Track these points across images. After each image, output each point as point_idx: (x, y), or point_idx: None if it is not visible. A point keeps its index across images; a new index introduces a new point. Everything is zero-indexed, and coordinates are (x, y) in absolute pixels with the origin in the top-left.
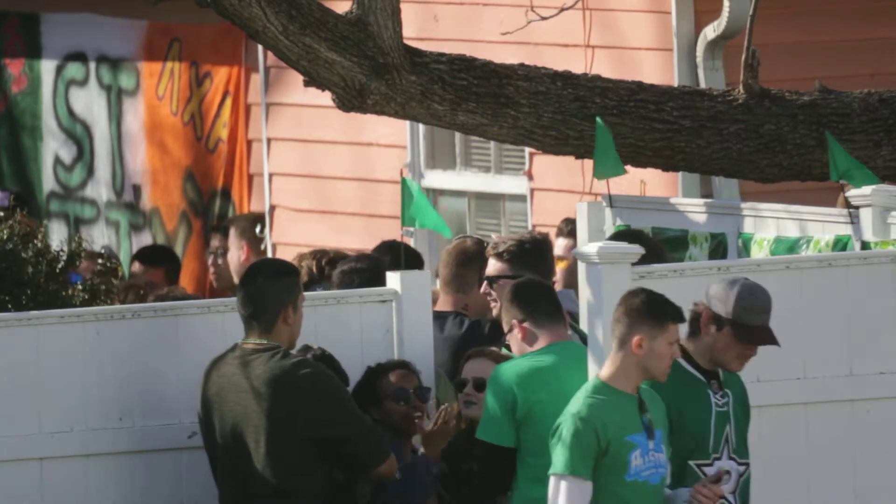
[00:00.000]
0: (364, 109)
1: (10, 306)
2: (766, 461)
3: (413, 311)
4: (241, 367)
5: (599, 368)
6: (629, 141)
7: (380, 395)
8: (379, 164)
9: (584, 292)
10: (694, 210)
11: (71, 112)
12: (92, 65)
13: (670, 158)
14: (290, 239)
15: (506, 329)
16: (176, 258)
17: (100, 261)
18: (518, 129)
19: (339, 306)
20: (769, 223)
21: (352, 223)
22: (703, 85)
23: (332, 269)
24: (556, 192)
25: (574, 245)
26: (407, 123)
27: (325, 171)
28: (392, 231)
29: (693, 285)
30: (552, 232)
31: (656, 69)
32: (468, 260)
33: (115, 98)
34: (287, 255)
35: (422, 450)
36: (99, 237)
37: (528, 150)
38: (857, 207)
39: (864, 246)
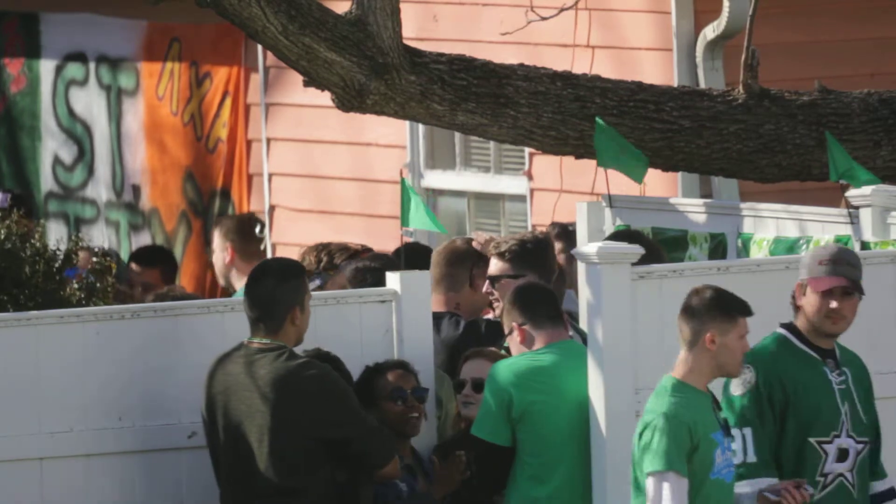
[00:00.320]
0: (363, 109)
1: (9, 307)
2: None
3: (413, 311)
4: (246, 367)
5: (599, 368)
6: (629, 141)
7: (377, 394)
8: (378, 164)
9: (584, 292)
10: (694, 210)
11: (71, 112)
12: (92, 65)
13: (670, 158)
14: (289, 239)
15: (506, 331)
16: (172, 258)
17: (94, 259)
18: (518, 130)
19: (339, 306)
20: (769, 223)
21: (351, 223)
22: (702, 85)
23: (331, 260)
24: (556, 192)
25: (563, 249)
26: (406, 123)
27: (325, 171)
28: (392, 231)
29: (692, 285)
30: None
31: (656, 69)
32: (458, 259)
33: (115, 98)
34: (286, 255)
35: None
36: (99, 237)
37: (527, 150)
38: (856, 207)
39: (864, 246)
